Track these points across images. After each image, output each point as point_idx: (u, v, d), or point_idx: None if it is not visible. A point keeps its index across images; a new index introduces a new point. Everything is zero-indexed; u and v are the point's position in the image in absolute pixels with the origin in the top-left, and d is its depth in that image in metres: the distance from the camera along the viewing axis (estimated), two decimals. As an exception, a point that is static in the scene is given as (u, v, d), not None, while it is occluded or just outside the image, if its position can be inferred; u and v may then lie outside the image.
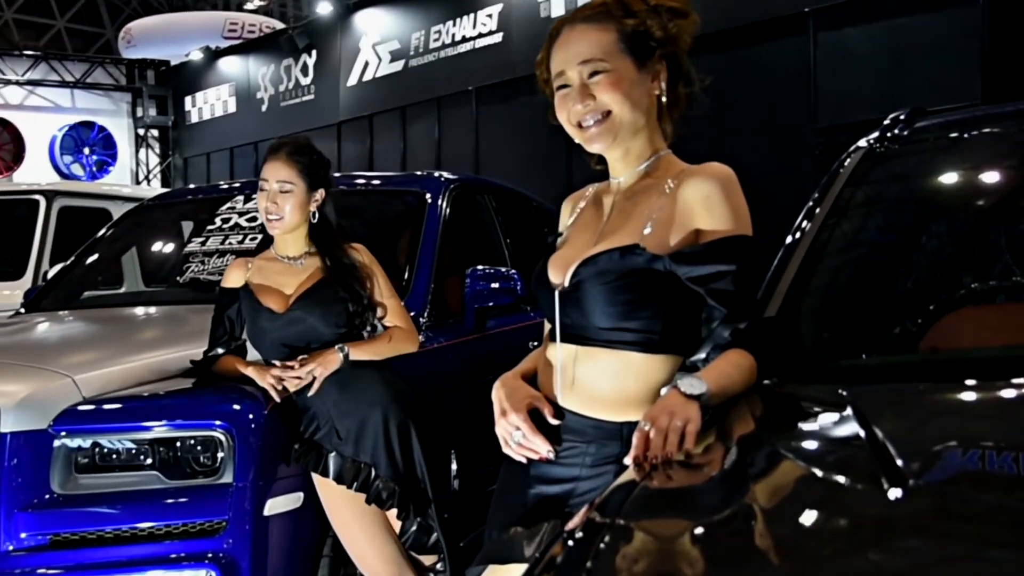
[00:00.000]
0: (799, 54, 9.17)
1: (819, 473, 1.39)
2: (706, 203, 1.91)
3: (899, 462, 1.31)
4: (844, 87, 8.87)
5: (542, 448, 1.99)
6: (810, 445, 1.56)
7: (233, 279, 3.22)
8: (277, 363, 3.03)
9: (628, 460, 1.65)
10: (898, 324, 2.35)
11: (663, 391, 1.78)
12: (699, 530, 1.23)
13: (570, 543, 1.30)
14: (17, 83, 20.29)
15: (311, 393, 3.02)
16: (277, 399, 2.99)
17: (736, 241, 1.89)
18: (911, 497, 1.21)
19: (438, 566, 3.23)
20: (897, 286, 2.44)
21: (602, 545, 1.22)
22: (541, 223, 5.98)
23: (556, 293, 2.02)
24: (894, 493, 1.21)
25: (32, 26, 28.72)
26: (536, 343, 4.91)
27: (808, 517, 1.23)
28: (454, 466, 3.78)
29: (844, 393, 1.72)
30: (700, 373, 1.79)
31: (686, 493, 1.51)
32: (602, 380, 1.96)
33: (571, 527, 1.39)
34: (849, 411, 1.54)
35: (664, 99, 2.01)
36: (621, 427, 1.94)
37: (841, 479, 1.34)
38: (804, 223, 2.31)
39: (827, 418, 1.68)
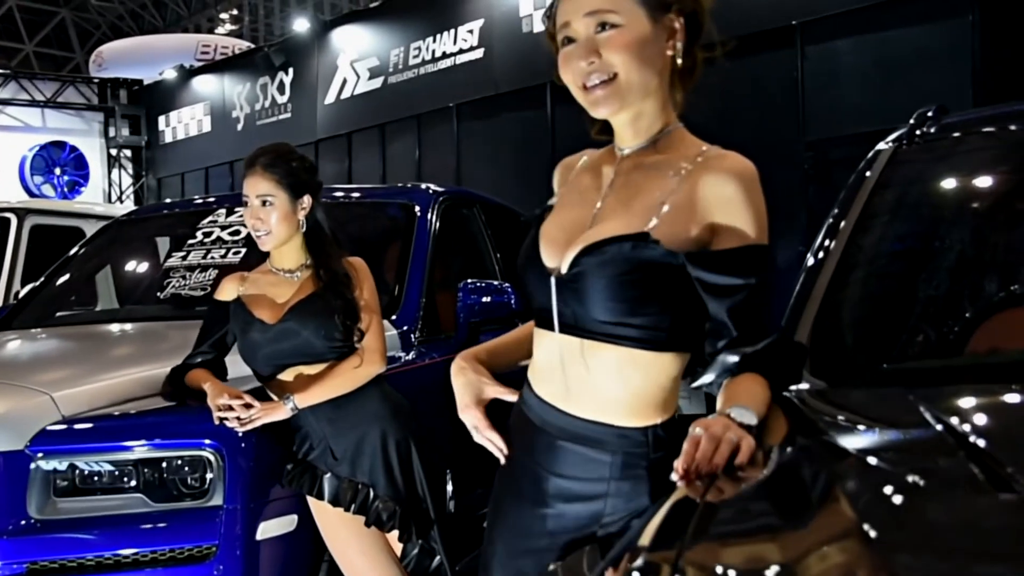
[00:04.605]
0: (787, 67, 9.13)
1: (911, 478, 1.23)
2: (728, 205, 1.71)
3: (1000, 464, 1.17)
4: (833, 100, 8.84)
5: (499, 448, 1.93)
6: (891, 450, 1.40)
7: (226, 292, 3.06)
8: (228, 398, 2.79)
9: (675, 476, 1.46)
10: (939, 328, 2.21)
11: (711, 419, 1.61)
12: (796, 554, 1.07)
13: None
14: (-15, 102, 19.98)
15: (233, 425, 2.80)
16: (215, 423, 2.78)
17: (754, 252, 1.71)
18: None
19: (441, 591, 3.07)
20: (937, 289, 2.30)
21: None
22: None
23: (552, 279, 1.80)
24: (1006, 497, 1.07)
25: (-1, 49, 28.49)
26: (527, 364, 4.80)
27: (917, 528, 1.08)
28: (449, 487, 3.63)
29: (910, 396, 1.58)
30: (743, 400, 1.61)
31: (765, 511, 1.32)
32: (607, 378, 1.76)
33: (626, 567, 1.22)
34: (924, 412, 1.39)
35: (679, 61, 1.79)
36: (646, 432, 1.77)
37: (939, 484, 1.19)
38: (827, 240, 2.18)
39: (898, 421, 1.53)
